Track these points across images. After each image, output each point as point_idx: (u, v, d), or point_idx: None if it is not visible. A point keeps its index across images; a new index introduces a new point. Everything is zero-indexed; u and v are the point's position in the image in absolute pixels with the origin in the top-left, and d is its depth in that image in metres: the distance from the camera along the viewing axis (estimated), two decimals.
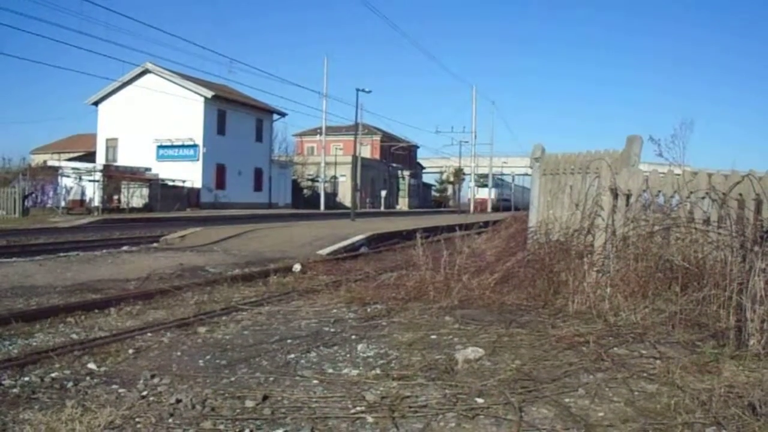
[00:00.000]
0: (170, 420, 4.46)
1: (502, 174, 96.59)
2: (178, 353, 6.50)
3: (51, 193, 47.18)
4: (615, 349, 6.40)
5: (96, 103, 59.54)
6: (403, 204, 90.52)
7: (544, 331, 7.11)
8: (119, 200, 47.69)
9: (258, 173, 63.49)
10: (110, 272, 12.46)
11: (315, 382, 5.42)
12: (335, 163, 74.73)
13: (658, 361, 5.93)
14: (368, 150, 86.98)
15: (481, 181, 70.44)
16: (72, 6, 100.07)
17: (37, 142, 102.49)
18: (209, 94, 54.22)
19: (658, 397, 4.97)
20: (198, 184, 54.54)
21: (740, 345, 6.23)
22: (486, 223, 20.36)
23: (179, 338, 7.17)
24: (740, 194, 7.85)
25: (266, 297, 9.88)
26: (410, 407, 4.71)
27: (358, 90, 37.98)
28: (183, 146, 55.62)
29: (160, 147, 56.24)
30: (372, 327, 7.69)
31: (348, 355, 6.39)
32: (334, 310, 8.75)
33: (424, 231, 14.13)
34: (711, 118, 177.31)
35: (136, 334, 7.27)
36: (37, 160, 61.75)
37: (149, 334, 7.28)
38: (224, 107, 57.98)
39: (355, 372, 5.74)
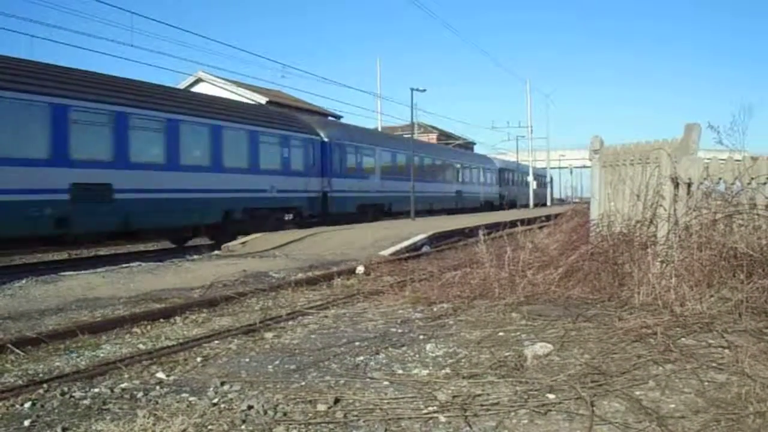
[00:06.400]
0: (242, 426, 4.49)
1: (560, 167, 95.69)
2: (247, 359, 6.54)
3: None
4: (682, 339, 6.40)
5: None
6: None
7: (611, 324, 7.12)
8: None
9: None
10: (173, 281, 12.55)
11: (385, 383, 5.48)
12: None
13: (726, 351, 5.91)
14: None
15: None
16: (122, 20, 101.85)
17: None
18: (263, 100, 54.40)
19: (728, 387, 4.97)
20: None
21: None
22: (547, 217, 20.18)
23: (246, 344, 7.20)
24: None
25: (331, 300, 9.90)
26: (482, 405, 4.77)
27: (412, 89, 37.73)
28: None
29: None
30: (439, 326, 7.75)
31: (417, 356, 6.45)
32: (400, 311, 8.81)
33: (486, 227, 14.15)
34: None
35: (203, 341, 7.28)
36: None
37: (216, 342, 7.29)
38: None
39: (425, 372, 5.80)
